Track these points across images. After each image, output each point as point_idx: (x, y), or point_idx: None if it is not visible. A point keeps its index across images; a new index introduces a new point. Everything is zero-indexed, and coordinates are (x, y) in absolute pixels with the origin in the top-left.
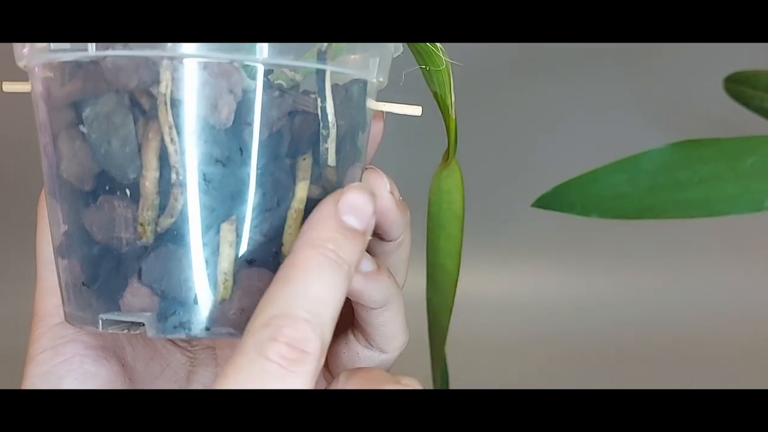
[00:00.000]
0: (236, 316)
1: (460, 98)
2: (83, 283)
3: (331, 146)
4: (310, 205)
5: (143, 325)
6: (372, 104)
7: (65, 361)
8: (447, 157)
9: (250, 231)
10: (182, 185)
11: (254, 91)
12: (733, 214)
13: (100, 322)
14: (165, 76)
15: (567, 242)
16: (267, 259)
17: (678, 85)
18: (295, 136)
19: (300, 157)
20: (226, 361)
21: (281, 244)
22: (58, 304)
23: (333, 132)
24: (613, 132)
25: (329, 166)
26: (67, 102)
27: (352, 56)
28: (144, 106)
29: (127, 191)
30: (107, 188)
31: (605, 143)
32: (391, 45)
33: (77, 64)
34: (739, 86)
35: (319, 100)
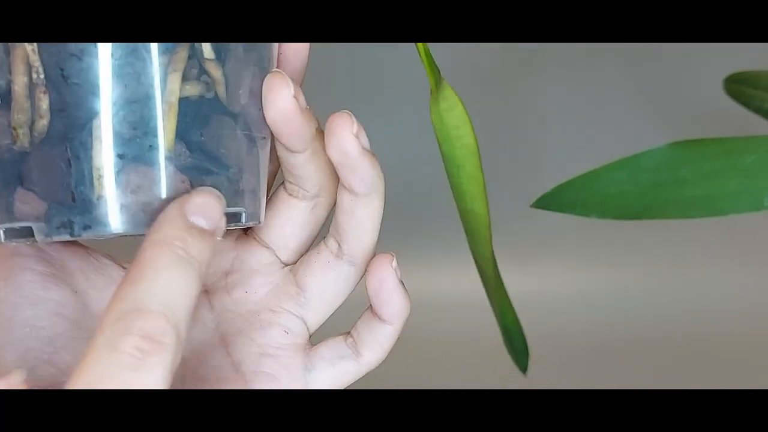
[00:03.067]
0: (116, 213)
1: (460, 97)
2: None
3: None
4: (191, 102)
5: (23, 230)
6: None
7: (17, 288)
8: (434, 89)
9: (118, 125)
10: (44, 84)
11: None
12: (733, 213)
13: (2, 233)
14: None
15: (567, 242)
16: (142, 153)
17: (678, 84)
18: None
19: (173, 49)
20: None
21: (156, 138)
22: None
23: None
24: (613, 131)
25: (208, 59)
26: None
27: None
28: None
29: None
30: None
31: (605, 143)
32: None
33: None
34: (739, 86)
35: None
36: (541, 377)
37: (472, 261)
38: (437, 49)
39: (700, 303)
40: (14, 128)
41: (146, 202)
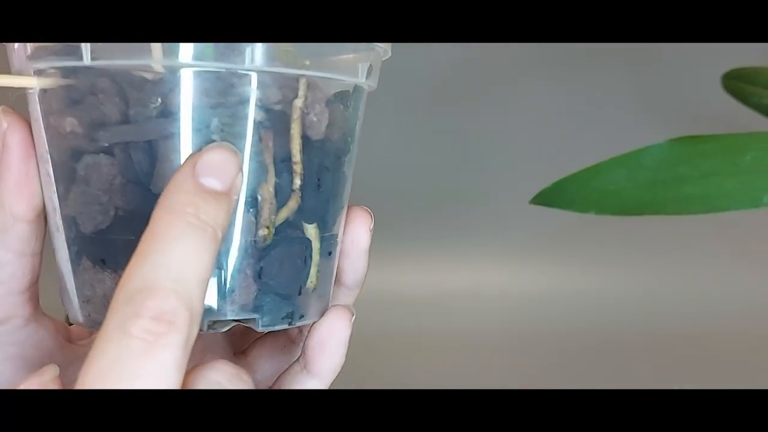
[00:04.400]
0: (316, 303)
1: (460, 96)
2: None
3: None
4: None
5: (251, 320)
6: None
7: None
8: None
9: (329, 229)
10: (302, 190)
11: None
12: (732, 210)
13: (206, 324)
14: (302, 93)
15: (566, 239)
16: (336, 249)
17: (677, 81)
18: None
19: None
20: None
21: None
22: None
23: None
24: (612, 129)
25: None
26: (187, 111)
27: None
28: (268, 119)
29: (250, 198)
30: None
31: (604, 140)
32: (381, 47)
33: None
34: (737, 83)
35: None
36: (540, 374)
37: (467, 259)
38: (438, 48)
39: (698, 300)
40: (267, 227)
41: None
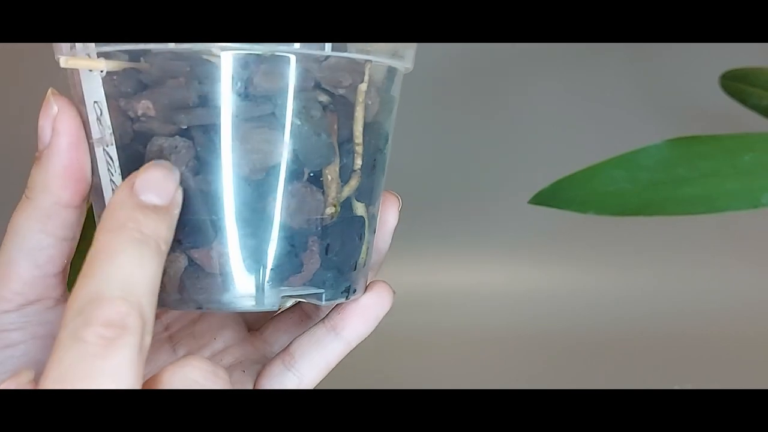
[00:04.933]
0: (365, 278)
1: (459, 95)
2: (269, 266)
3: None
4: None
5: (311, 296)
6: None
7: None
8: None
9: (375, 207)
10: (361, 170)
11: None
12: (731, 210)
13: (278, 301)
14: (367, 77)
15: (565, 239)
16: (376, 227)
17: (676, 82)
18: None
19: None
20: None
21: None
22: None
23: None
24: (611, 129)
25: None
26: (265, 94)
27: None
28: (337, 102)
29: (314, 177)
30: (298, 176)
31: (603, 140)
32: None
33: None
34: (736, 83)
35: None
36: (539, 373)
37: (466, 259)
38: (434, 48)
39: (697, 300)
40: (333, 205)
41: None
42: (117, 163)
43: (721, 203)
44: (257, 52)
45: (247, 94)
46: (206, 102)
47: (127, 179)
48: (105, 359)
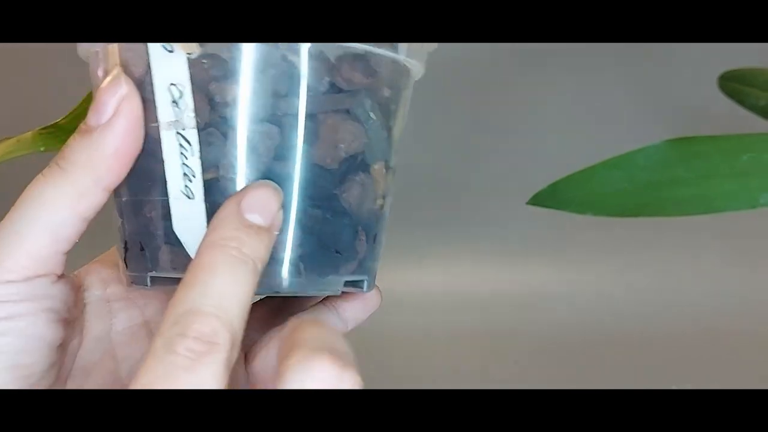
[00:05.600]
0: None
1: (457, 95)
2: (335, 251)
3: None
4: None
5: (359, 283)
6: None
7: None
8: None
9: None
10: (395, 167)
11: None
12: (729, 210)
13: (342, 284)
14: (411, 80)
15: (563, 240)
16: None
17: (673, 82)
18: None
19: None
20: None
21: None
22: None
23: None
24: (608, 129)
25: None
26: (352, 89)
27: None
28: (390, 101)
29: (372, 170)
30: (364, 168)
31: (601, 140)
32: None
33: (361, 56)
34: (734, 84)
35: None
36: (538, 374)
37: (464, 259)
38: (438, 48)
39: (696, 300)
40: (383, 197)
41: None
42: (195, 147)
43: (720, 204)
44: (355, 51)
45: (337, 88)
46: (297, 92)
47: (234, 196)
48: (192, 373)
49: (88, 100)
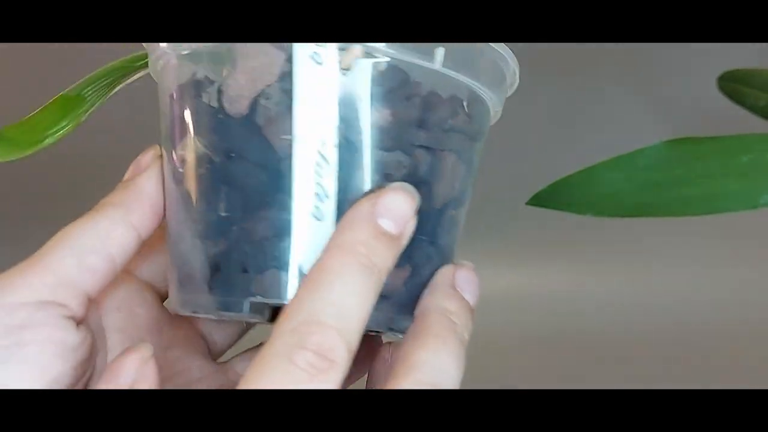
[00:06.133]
0: None
1: None
2: (423, 288)
3: None
4: None
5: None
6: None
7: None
8: None
9: None
10: None
11: None
12: (729, 211)
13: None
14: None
15: (563, 240)
16: None
17: (673, 82)
18: None
19: None
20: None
21: None
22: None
23: None
24: (608, 129)
25: None
26: (480, 129)
27: None
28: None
29: (460, 209)
30: (456, 206)
31: (601, 141)
32: (507, 81)
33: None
34: (733, 84)
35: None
36: (537, 375)
37: (469, 260)
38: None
39: (697, 301)
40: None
41: None
42: (334, 166)
43: (720, 204)
44: (478, 94)
45: (460, 127)
46: (437, 126)
47: (369, 197)
48: (309, 388)
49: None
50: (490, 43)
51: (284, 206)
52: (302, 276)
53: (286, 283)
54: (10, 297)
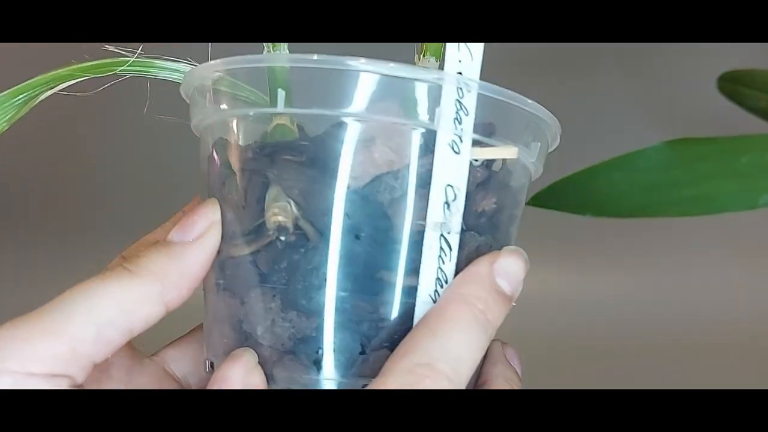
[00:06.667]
0: None
1: None
2: None
3: None
4: None
5: None
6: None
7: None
8: None
9: None
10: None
11: None
12: (728, 211)
13: None
14: None
15: (562, 240)
16: None
17: (673, 83)
18: None
19: None
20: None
21: None
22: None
23: None
24: (608, 130)
25: None
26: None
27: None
28: None
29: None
30: None
31: (600, 142)
32: (549, 136)
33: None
34: (733, 85)
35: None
36: (536, 375)
37: None
38: None
39: (696, 301)
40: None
41: None
42: (455, 253)
43: (719, 205)
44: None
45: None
46: (515, 212)
47: (489, 256)
48: None
49: None
50: (545, 118)
51: (409, 290)
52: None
53: None
54: (20, 364)
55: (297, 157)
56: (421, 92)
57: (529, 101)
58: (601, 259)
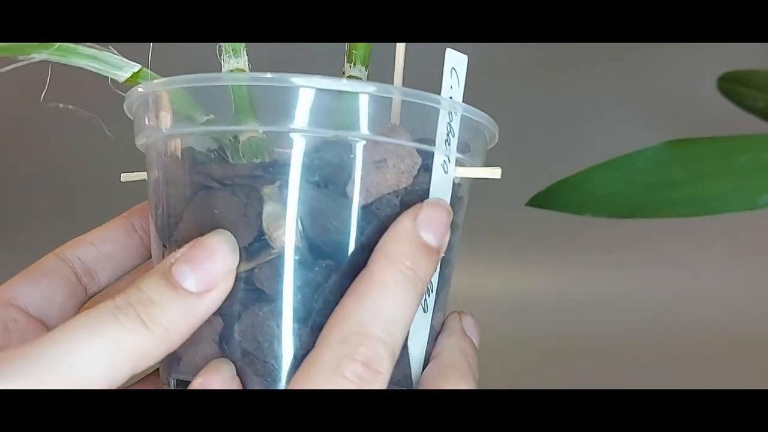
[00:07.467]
0: None
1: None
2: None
3: None
4: None
5: None
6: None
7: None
8: None
9: None
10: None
11: None
12: (727, 212)
13: None
14: None
15: (561, 241)
16: None
17: (672, 83)
18: None
19: None
20: None
21: None
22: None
23: None
24: (607, 131)
25: None
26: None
27: None
28: None
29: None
30: None
31: (599, 142)
32: (486, 134)
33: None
34: (732, 85)
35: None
36: (537, 376)
37: (463, 261)
38: (429, 48)
39: (694, 301)
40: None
41: None
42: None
43: (718, 205)
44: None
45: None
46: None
47: (410, 211)
48: None
49: None
50: (488, 125)
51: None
52: (411, 356)
53: (398, 370)
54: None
55: (298, 176)
56: (429, 115)
57: (479, 111)
58: (600, 259)
